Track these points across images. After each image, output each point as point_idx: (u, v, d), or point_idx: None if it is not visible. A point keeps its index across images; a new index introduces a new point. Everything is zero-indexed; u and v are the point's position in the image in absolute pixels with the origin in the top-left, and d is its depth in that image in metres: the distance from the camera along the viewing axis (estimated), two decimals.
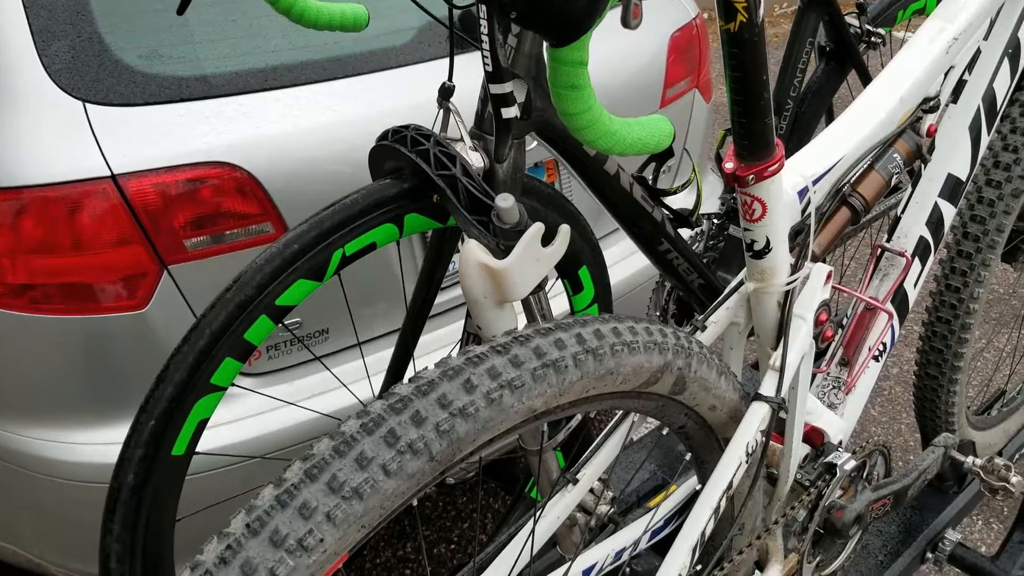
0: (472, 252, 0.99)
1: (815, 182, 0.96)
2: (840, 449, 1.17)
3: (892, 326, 1.21)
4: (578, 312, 1.46)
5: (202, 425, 1.06)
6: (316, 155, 1.61)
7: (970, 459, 1.34)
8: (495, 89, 0.90)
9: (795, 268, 0.98)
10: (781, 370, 0.97)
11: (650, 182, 1.43)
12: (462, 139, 1.14)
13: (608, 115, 0.88)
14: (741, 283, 1.03)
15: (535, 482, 1.48)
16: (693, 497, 1.21)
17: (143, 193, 1.47)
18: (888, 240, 1.24)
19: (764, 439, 0.97)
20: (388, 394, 0.70)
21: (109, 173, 1.44)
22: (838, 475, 1.13)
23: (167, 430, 1.02)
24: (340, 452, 0.65)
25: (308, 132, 1.61)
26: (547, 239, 1.01)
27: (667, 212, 1.47)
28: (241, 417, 1.59)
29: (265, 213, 1.57)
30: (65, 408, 1.55)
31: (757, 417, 0.96)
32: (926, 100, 1.07)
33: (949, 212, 1.22)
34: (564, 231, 1.01)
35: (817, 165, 0.96)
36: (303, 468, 0.65)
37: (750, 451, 0.96)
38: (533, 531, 0.91)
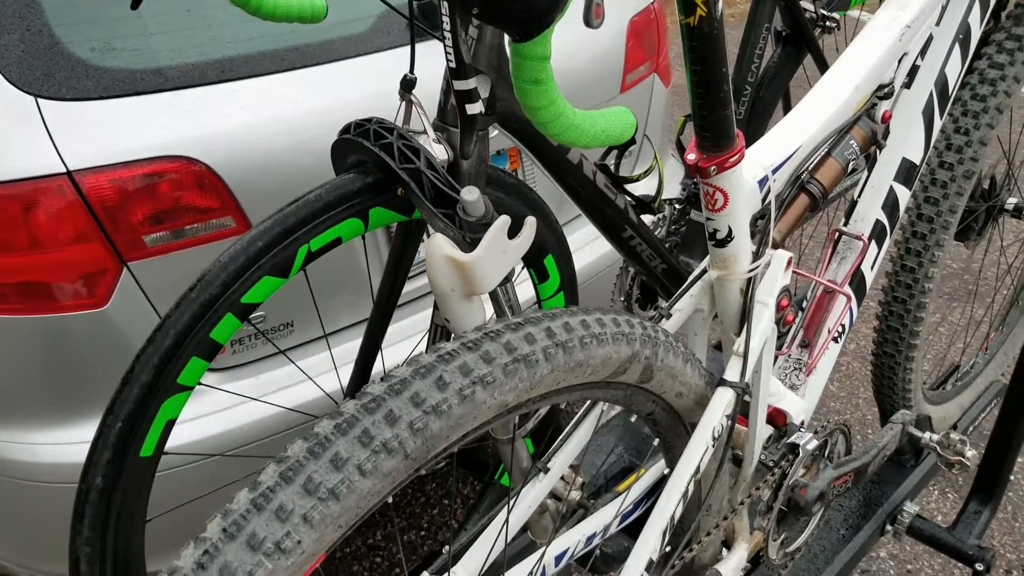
0: (439, 246, 0.99)
1: (775, 171, 0.98)
2: (802, 429, 1.19)
3: (851, 308, 1.24)
4: (544, 300, 1.47)
5: (170, 425, 1.05)
6: (275, 147, 1.59)
7: (927, 435, 1.37)
8: (459, 85, 0.90)
9: (756, 255, 1.00)
10: (745, 356, 0.99)
11: (612, 169, 1.44)
12: (425, 132, 1.14)
13: (572, 108, 0.89)
14: (704, 271, 1.05)
15: (505, 470, 1.49)
16: (661, 480, 1.23)
17: (100, 189, 1.45)
18: (845, 224, 1.27)
19: (730, 423, 0.99)
20: (361, 393, 0.70)
21: (64, 169, 1.42)
22: (801, 455, 1.16)
23: (134, 431, 1.01)
24: (315, 453, 0.66)
25: (267, 124, 1.60)
26: (513, 231, 1.01)
27: (630, 199, 1.48)
28: (205, 413, 1.58)
29: (225, 207, 1.56)
30: (25, 409, 1.53)
31: (722, 402, 0.98)
32: (880, 87, 1.09)
33: (904, 195, 1.25)
34: (530, 223, 1.01)
35: (776, 154, 0.98)
36: (278, 471, 0.65)
37: (716, 436, 0.98)
38: (507, 520, 0.92)
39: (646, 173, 1.52)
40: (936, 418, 1.79)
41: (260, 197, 1.57)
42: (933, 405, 1.80)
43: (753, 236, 1.02)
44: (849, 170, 1.08)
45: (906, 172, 1.23)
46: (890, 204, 1.24)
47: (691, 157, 0.89)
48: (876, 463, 1.30)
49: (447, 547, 1.57)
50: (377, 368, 1.43)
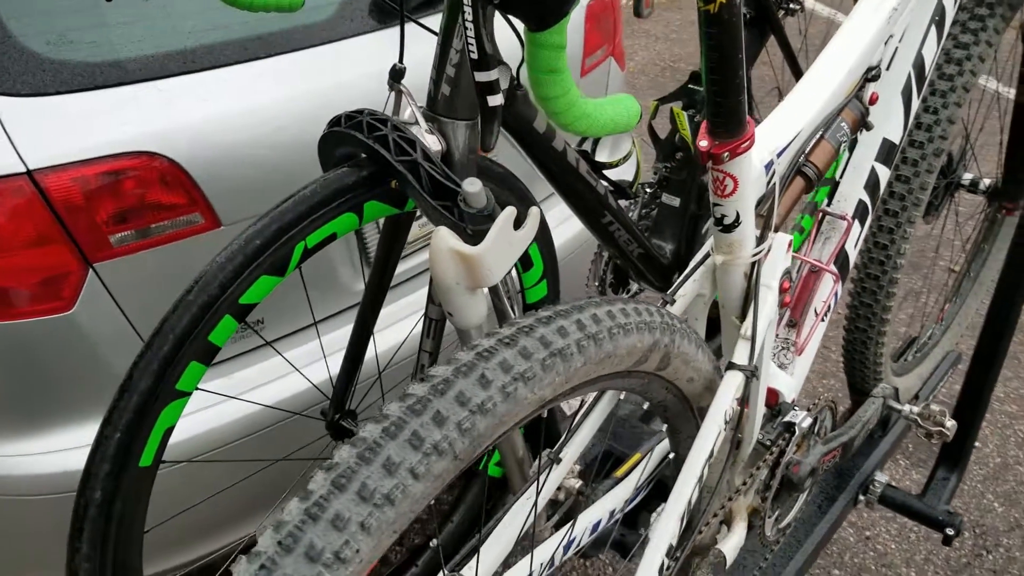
0: (444, 239, 0.98)
1: (779, 155, 0.99)
2: (796, 408, 1.21)
3: (836, 287, 1.26)
4: (528, 289, 1.46)
5: (168, 433, 1.02)
6: (242, 139, 1.55)
7: (907, 407, 1.41)
8: (481, 77, 0.88)
9: (759, 239, 1.01)
10: (752, 339, 1.00)
11: (590, 155, 1.44)
12: (417, 122, 1.12)
13: (583, 98, 0.88)
14: (706, 256, 1.05)
15: (502, 460, 1.49)
16: (662, 465, 1.24)
17: (62, 188, 1.39)
18: (828, 204, 1.29)
19: (739, 407, 1.00)
20: (404, 395, 0.69)
21: (24, 169, 1.35)
22: (797, 433, 1.18)
23: (134, 442, 0.98)
24: (366, 459, 0.64)
25: (232, 115, 1.55)
26: (516, 222, 1.00)
27: (608, 185, 1.49)
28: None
29: (193, 203, 1.51)
30: None
31: (732, 386, 0.99)
32: (869, 69, 1.11)
33: (884, 175, 1.28)
34: (534, 213, 1.00)
35: (780, 138, 0.99)
36: (329, 478, 0.63)
37: (728, 419, 0.99)
38: (536, 506, 0.92)
39: (625, 158, 1.53)
40: (900, 389, 1.85)
41: (228, 191, 1.53)
42: (897, 377, 1.85)
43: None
44: (840, 152, 1.10)
45: (886, 152, 1.26)
46: (871, 184, 1.26)
47: (703, 144, 0.89)
48: (861, 437, 1.33)
49: (433, 540, 1.56)
50: (369, 354, 1.40)
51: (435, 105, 1.15)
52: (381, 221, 1.32)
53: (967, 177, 1.78)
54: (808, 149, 1.08)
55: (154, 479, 1.03)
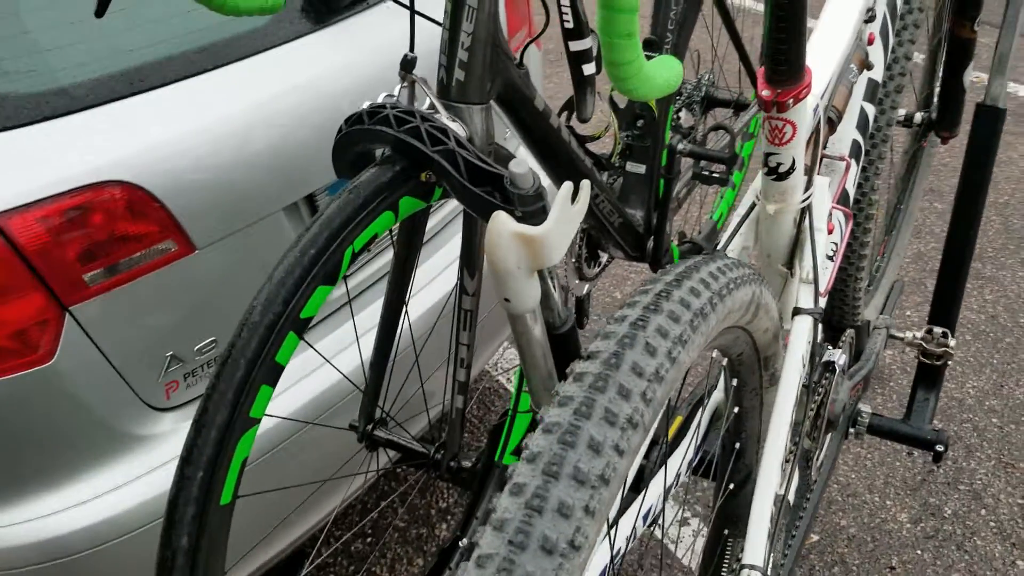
0: (505, 224, 0.95)
1: (822, 97, 1.01)
2: (829, 347, 1.25)
3: (843, 226, 1.30)
4: None
5: (243, 465, 0.95)
6: (204, 156, 1.47)
7: (909, 334, 1.47)
8: (575, 46, 0.86)
9: (808, 184, 1.03)
10: (815, 282, 1.02)
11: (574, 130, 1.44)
12: (436, 111, 1.09)
13: (646, 61, 0.87)
14: (750, 209, 1.07)
15: (512, 449, 1.47)
16: (714, 421, 1.25)
17: (27, 230, 1.28)
18: (823, 148, 1.33)
19: (811, 349, 1.02)
20: (577, 375, 0.67)
21: None
22: (837, 372, 1.22)
23: (214, 479, 0.91)
24: (569, 443, 0.62)
25: (191, 133, 1.46)
26: None
27: (591, 158, 1.48)
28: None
29: (164, 229, 1.42)
30: None
31: (805, 330, 1.01)
32: (868, 11, 1.15)
33: (872, 112, 1.32)
34: (585, 186, 0.99)
35: (821, 81, 1.01)
36: (538, 468, 0.61)
37: (805, 363, 1.00)
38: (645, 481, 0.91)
39: (605, 130, 1.53)
40: None
41: (198, 212, 1.45)
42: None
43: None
44: (853, 92, 1.13)
45: (872, 91, 1.31)
46: (862, 123, 1.31)
47: (766, 94, 0.90)
48: (875, 369, 1.38)
49: (463, 540, 1.53)
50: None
51: (448, 92, 1.11)
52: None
53: (901, 112, 1.87)
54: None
55: (231, 517, 0.97)
